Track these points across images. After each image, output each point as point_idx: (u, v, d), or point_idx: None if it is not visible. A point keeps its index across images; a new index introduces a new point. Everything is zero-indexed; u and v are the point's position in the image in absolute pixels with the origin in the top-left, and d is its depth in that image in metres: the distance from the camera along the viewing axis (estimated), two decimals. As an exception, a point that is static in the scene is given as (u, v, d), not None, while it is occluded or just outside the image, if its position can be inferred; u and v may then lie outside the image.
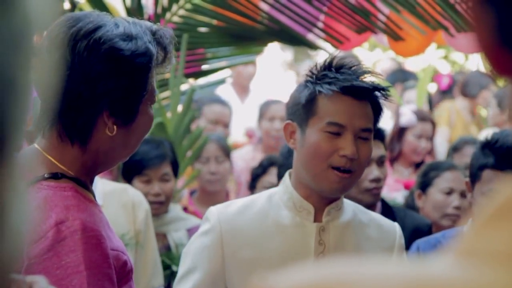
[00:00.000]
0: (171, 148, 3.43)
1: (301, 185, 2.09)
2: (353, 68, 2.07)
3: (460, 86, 6.84)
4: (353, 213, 2.13)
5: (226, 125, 5.13)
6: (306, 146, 2.05)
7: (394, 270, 0.52)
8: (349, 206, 2.15)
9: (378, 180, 3.22)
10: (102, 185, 3.05)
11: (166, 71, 1.81)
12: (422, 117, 5.02)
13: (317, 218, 2.09)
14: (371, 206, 3.07)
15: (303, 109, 2.07)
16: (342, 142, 2.02)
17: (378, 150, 3.16)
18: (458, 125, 6.53)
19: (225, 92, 6.49)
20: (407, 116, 4.98)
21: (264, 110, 5.30)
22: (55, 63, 1.66)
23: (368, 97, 2.06)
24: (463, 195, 3.53)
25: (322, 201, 2.09)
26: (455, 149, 4.83)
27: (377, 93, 2.07)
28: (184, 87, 4.09)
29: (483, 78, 6.57)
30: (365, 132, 2.05)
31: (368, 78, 2.08)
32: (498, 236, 0.51)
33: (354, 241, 2.10)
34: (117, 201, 3.05)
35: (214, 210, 2.09)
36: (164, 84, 4.14)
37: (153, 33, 1.75)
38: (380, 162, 3.24)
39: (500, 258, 0.50)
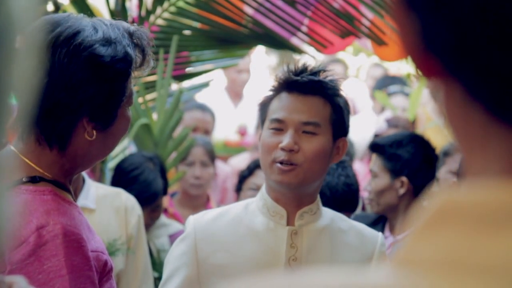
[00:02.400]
0: (162, 170, 3.44)
1: (271, 189, 2.13)
2: (305, 67, 2.13)
3: (432, 91, 6.83)
4: (331, 220, 2.16)
5: (207, 132, 5.11)
6: (259, 146, 2.13)
7: (331, 279, 0.53)
8: (328, 213, 2.17)
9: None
10: (96, 189, 3.05)
11: (144, 74, 1.81)
12: (393, 123, 5.06)
13: (290, 222, 2.12)
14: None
15: (260, 114, 2.17)
16: (283, 136, 2.07)
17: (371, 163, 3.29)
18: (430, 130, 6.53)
19: (218, 97, 6.52)
20: (379, 123, 5.03)
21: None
22: (34, 68, 1.65)
23: (316, 92, 2.10)
24: None
25: (293, 204, 2.11)
26: (446, 154, 4.86)
27: (328, 87, 2.10)
28: (168, 89, 4.09)
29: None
30: (308, 126, 2.08)
31: (320, 75, 2.13)
32: (432, 244, 0.52)
33: (329, 246, 2.11)
34: (110, 205, 3.05)
35: (191, 219, 2.16)
36: (151, 86, 4.14)
37: (131, 35, 1.74)
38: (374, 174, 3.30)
39: (433, 266, 0.51)
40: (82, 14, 1.75)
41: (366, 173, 5.12)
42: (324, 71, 2.15)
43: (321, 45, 4.25)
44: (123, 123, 1.75)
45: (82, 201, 2.98)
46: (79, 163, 1.74)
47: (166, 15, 4.20)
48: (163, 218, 3.63)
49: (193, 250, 2.08)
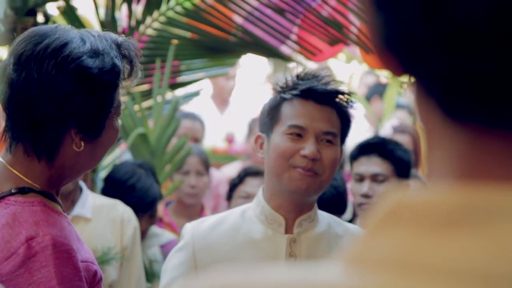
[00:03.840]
0: (154, 175, 3.45)
1: (273, 196, 2.11)
2: (316, 75, 2.14)
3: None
4: (328, 225, 2.15)
5: (197, 140, 5.12)
6: (270, 151, 2.10)
7: (282, 276, 0.54)
8: (324, 218, 2.17)
9: (366, 196, 3.27)
10: (93, 199, 3.05)
11: (133, 85, 1.82)
12: (399, 130, 5.07)
13: (289, 230, 2.11)
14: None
15: (268, 118, 2.13)
16: (304, 143, 2.06)
17: (373, 166, 3.24)
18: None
19: (204, 104, 6.52)
20: (385, 129, 5.04)
21: (253, 127, 5.33)
22: (22, 80, 1.66)
23: (330, 103, 2.11)
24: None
25: (294, 211, 2.11)
26: None
27: (340, 98, 2.12)
28: (159, 98, 4.10)
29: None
30: (328, 135, 2.09)
31: (332, 86, 2.14)
32: (383, 243, 0.53)
33: (326, 253, 2.11)
34: (106, 216, 3.05)
35: (188, 227, 2.14)
36: (147, 94, 4.15)
37: (119, 46, 1.75)
38: (373, 179, 3.28)
39: (384, 265, 0.52)
40: (70, 26, 1.76)
41: None
42: (340, 82, 2.16)
43: (310, 52, 4.27)
44: (111, 133, 1.76)
45: (78, 210, 2.98)
46: (68, 174, 1.75)
47: (156, 25, 4.21)
48: (154, 228, 3.63)
49: (192, 260, 2.07)
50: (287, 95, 2.11)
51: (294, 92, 2.10)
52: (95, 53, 1.70)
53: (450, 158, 0.55)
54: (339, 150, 2.12)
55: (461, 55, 0.52)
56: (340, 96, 2.12)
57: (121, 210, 3.09)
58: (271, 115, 2.12)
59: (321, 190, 2.11)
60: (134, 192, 3.32)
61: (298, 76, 2.13)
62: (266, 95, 7.40)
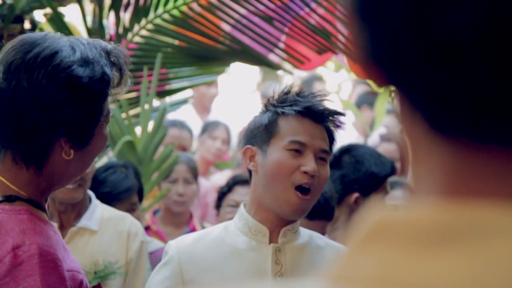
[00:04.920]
0: (136, 174, 3.43)
1: (259, 209, 2.11)
2: (311, 93, 2.17)
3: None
4: (309, 237, 2.17)
5: (184, 149, 5.12)
6: (268, 165, 2.08)
7: None
8: (305, 232, 2.19)
9: None
10: (102, 211, 3.02)
11: (122, 92, 1.81)
12: (386, 138, 5.08)
13: (272, 240, 2.12)
14: None
15: (264, 131, 2.12)
16: (304, 159, 2.07)
17: (387, 188, 3.30)
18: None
19: (186, 111, 6.52)
20: (372, 137, 5.05)
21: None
22: (11, 89, 1.65)
23: (324, 122, 2.15)
24: None
25: (279, 223, 2.12)
26: None
27: (331, 118, 2.15)
28: (147, 106, 4.09)
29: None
30: (323, 153, 2.12)
31: (326, 105, 2.17)
32: (367, 261, 0.52)
33: (311, 262, 2.13)
34: (113, 228, 3.02)
35: (172, 243, 2.14)
36: (134, 102, 4.14)
37: (108, 54, 1.74)
38: None
39: (368, 284, 0.51)
40: (59, 33, 1.75)
41: None
42: (328, 99, 2.19)
43: (298, 61, 4.28)
44: (100, 141, 1.76)
45: (84, 221, 2.95)
46: (56, 182, 1.74)
47: (143, 32, 4.21)
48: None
49: (178, 273, 2.06)
50: (287, 110, 2.11)
51: (295, 108, 2.11)
52: (85, 61, 1.69)
53: (435, 173, 0.54)
54: (328, 168, 2.15)
55: (448, 68, 0.51)
56: (333, 117, 2.15)
57: (129, 223, 3.06)
58: (268, 129, 2.11)
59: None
60: (107, 182, 3.29)
61: (295, 92, 2.15)
62: (255, 104, 7.45)
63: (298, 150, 2.07)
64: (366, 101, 7.04)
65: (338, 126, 2.17)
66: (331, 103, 2.19)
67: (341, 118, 2.17)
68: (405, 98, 0.55)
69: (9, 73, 1.66)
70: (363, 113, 6.84)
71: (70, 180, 1.79)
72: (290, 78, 8.87)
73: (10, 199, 1.68)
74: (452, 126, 0.52)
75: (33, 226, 1.64)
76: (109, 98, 1.76)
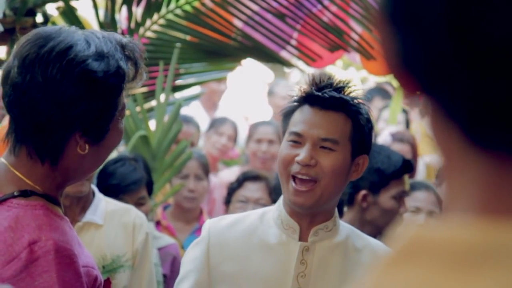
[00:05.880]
0: (146, 167, 3.41)
1: (286, 202, 2.10)
2: (329, 82, 2.11)
3: (423, 105, 6.85)
4: (346, 237, 2.11)
5: (192, 144, 5.12)
6: (278, 158, 2.11)
7: None
8: (344, 229, 2.13)
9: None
10: (105, 204, 3.02)
11: (138, 86, 1.80)
12: (398, 138, 5.05)
13: (303, 238, 2.08)
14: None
15: (283, 124, 2.14)
16: (300, 150, 2.06)
17: (401, 186, 3.22)
18: (425, 145, 6.52)
19: (194, 107, 6.52)
20: (383, 136, 5.02)
21: (252, 132, 5.35)
22: (26, 84, 1.64)
23: (337, 108, 2.08)
24: (430, 214, 3.56)
25: (306, 219, 2.08)
26: None
27: (350, 104, 2.08)
28: (162, 99, 4.08)
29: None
30: (325, 142, 2.06)
31: (344, 91, 2.10)
32: (399, 280, 0.50)
33: (340, 265, 2.08)
34: (118, 221, 3.02)
35: (207, 223, 2.14)
36: (147, 96, 4.13)
37: (123, 47, 1.72)
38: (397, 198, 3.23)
39: None
40: (74, 27, 1.74)
41: None
42: (348, 87, 2.12)
43: (310, 58, 4.26)
44: (115, 135, 1.74)
45: (89, 216, 2.95)
46: (72, 176, 1.72)
47: (155, 27, 4.20)
48: (153, 231, 3.61)
49: (206, 256, 2.07)
50: (297, 102, 2.11)
51: (303, 99, 2.10)
52: (100, 56, 1.67)
53: (471, 189, 0.52)
54: (344, 157, 2.07)
55: (491, 77, 0.49)
56: (348, 101, 2.09)
57: (134, 216, 3.05)
58: (284, 122, 2.13)
59: (324, 202, 2.06)
60: (116, 174, 3.29)
61: (314, 84, 2.11)
62: (263, 101, 7.40)
63: (296, 141, 2.07)
64: (371, 96, 7.02)
65: (356, 112, 2.09)
66: (350, 90, 2.11)
67: (357, 102, 2.09)
68: (440, 108, 0.53)
69: (24, 68, 1.65)
70: (374, 106, 6.80)
71: (85, 175, 1.78)
72: (298, 75, 8.86)
73: (25, 194, 1.66)
74: (492, 140, 0.50)
75: (49, 221, 1.63)
76: (124, 92, 1.74)
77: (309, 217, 2.08)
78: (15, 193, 1.66)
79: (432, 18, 0.51)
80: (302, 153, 2.04)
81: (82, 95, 1.64)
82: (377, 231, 3.21)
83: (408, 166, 3.28)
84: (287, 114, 2.12)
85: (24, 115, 1.65)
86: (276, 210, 2.11)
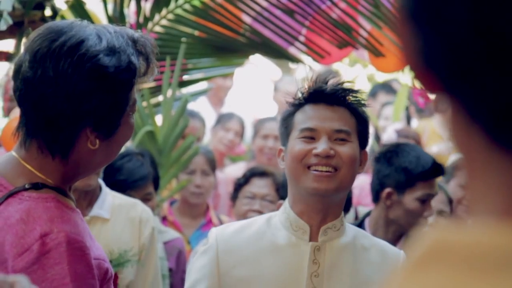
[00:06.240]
0: (152, 162, 3.41)
1: (295, 202, 2.10)
2: (325, 79, 2.14)
3: (434, 102, 6.85)
4: (354, 237, 2.13)
5: (197, 139, 5.12)
6: (287, 157, 2.10)
7: None
8: (351, 230, 2.15)
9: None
10: (112, 198, 3.02)
11: (149, 81, 1.79)
12: (403, 134, 5.05)
13: (313, 238, 2.09)
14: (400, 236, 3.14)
15: (284, 129, 2.15)
16: (316, 144, 2.07)
17: (429, 189, 3.17)
18: (433, 143, 6.51)
19: (200, 102, 6.51)
20: (388, 133, 5.01)
21: (258, 128, 5.35)
22: (37, 78, 1.64)
23: (341, 103, 2.12)
24: (440, 214, 3.54)
25: (317, 218, 2.09)
26: (455, 167, 4.77)
27: (350, 97, 2.12)
28: (169, 94, 4.07)
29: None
30: (340, 133, 2.09)
31: (342, 86, 2.14)
32: (421, 284, 0.50)
33: (351, 263, 2.09)
34: (125, 215, 3.03)
35: (213, 230, 2.13)
36: (154, 91, 4.13)
37: (135, 42, 1.72)
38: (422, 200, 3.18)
39: None
40: (86, 21, 1.73)
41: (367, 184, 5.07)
42: (348, 83, 2.16)
43: (318, 55, 4.25)
44: (126, 130, 1.74)
45: (96, 210, 2.95)
46: (82, 171, 1.73)
47: (164, 22, 4.20)
48: (159, 225, 3.61)
49: (215, 263, 2.06)
50: (298, 102, 2.13)
51: (304, 99, 2.12)
52: (111, 50, 1.66)
53: (494, 191, 0.51)
54: (357, 148, 2.11)
55: None
56: (350, 95, 2.12)
57: (140, 210, 3.06)
58: (285, 125, 2.14)
59: (343, 189, 2.08)
60: (123, 169, 3.28)
61: (314, 83, 2.14)
62: (269, 97, 7.39)
63: (309, 136, 2.08)
64: (375, 92, 7.01)
65: (359, 104, 2.13)
66: (347, 85, 2.15)
67: (360, 95, 2.13)
68: (462, 108, 0.52)
69: (35, 62, 1.64)
70: (378, 101, 6.79)
71: (95, 169, 1.78)
72: (303, 71, 8.85)
73: (37, 186, 1.66)
74: None
75: (60, 213, 1.63)
76: (135, 87, 1.74)
77: (320, 215, 2.09)
78: (27, 186, 1.66)
79: (458, 17, 0.50)
80: (321, 146, 2.05)
81: (93, 90, 1.63)
82: (401, 231, 3.19)
83: (438, 170, 3.19)
84: (287, 117, 2.14)
85: (35, 109, 1.65)
86: (283, 214, 2.11)
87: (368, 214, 3.32)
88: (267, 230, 2.10)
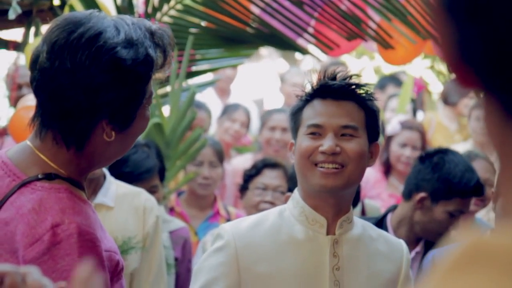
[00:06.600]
0: (158, 154, 3.41)
1: (309, 196, 2.10)
2: (333, 73, 2.14)
3: (442, 95, 6.85)
4: (363, 228, 2.15)
5: (204, 130, 5.13)
6: (296, 153, 2.11)
7: None
8: (358, 222, 2.17)
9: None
10: (116, 187, 3.03)
11: (166, 74, 1.78)
12: (407, 125, 5.01)
13: (329, 231, 2.09)
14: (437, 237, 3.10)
15: (293, 124, 2.15)
16: (322, 140, 2.07)
17: (462, 206, 3.13)
18: (438, 135, 6.50)
19: (207, 93, 6.51)
20: (392, 124, 4.99)
21: (266, 119, 5.34)
22: (55, 69, 1.63)
23: (349, 97, 2.11)
24: (486, 183, 3.48)
25: (332, 211, 2.09)
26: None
27: (358, 91, 2.11)
28: (177, 85, 4.06)
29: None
30: (347, 129, 2.09)
31: (349, 80, 2.13)
32: (463, 285, 0.49)
33: (366, 254, 2.10)
34: (129, 204, 3.04)
35: (227, 227, 2.09)
36: (160, 82, 4.12)
37: (152, 34, 1.71)
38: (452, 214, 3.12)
39: None
40: (104, 13, 1.72)
41: (376, 180, 5.06)
42: (356, 76, 2.15)
43: (327, 47, 4.24)
44: (141, 122, 1.74)
45: (101, 198, 2.96)
46: (96, 162, 1.72)
47: (172, 12, 4.18)
48: (164, 215, 3.61)
49: (234, 260, 2.02)
50: (305, 98, 2.13)
51: (313, 93, 2.12)
52: (129, 43, 1.66)
53: None
54: (364, 143, 2.10)
55: None
56: (358, 89, 2.12)
57: (144, 199, 3.07)
58: (294, 119, 2.15)
59: (351, 186, 2.08)
60: (129, 162, 3.28)
61: (322, 77, 2.14)
62: (276, 88, 7.36)
63: (316, 133, 2.08)
64: (382, 85, 6.99)
65: (367, 99, 2.12)
66: (355, 79, 2.15)
67: (366, 89, 2.12)
68: (500, 105, 0.52)
69: (53, 53, 1.64)
70: (386, 93, 6.76)
71: (110, 161, 1.77)
72: (310, 62, 8.82)
73: (49, 177, 1.66)
74: None
75: (72, 204, 1.62)
76: (152, 80, 1.74)
77: (334, 209, 2.09)
78: (39, 176, 1.65)
79: (501, 12, 0.49)
80: (327, 143, 2.06)
81: (110, 82, 1.63)
82: (422, 235, 3.16)
83: (478, 190, 3.12)
84: (296, 112, 2.14)
85: (51, 100, 1.65)
86: (295, 207, 2.10)
87: (391, 209, 3.28)
88: (282, 224, 2.09)
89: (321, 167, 2.05)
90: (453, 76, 0.56)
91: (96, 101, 1.63)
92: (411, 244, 3.06)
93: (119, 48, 1.64)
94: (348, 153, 2.06)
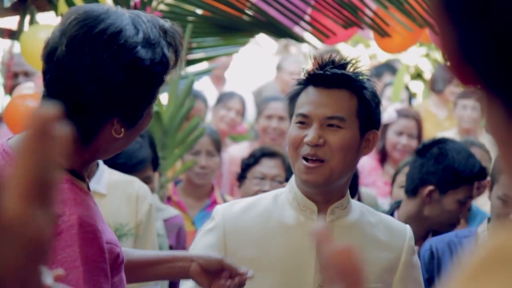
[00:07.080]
0: (151, 144, 3.41)
1: (300, 183, 2.11)
2: (330, 60, 2.11)
3: (429, 82, 6.85)
4: (361, 213, 2.13)
5: (201, 119, 5.12)
6: (287, 142, 2.12)
7: None
8: (357, 207, 2.15)
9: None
10: (109, 175, 3.03)
11: (176, 74, 1.79)
12: (404, 113, 5.02)
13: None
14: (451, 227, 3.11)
15: (289, 108, 2.15)
16: (308, 130, 2.07)
17: (470, 191, 3.13)
18: (427, 123, 6.48)
19: (202, 82, 6.50)
20: (388, 112, 4.99)
21: (263, 108, 5.33)
22: (74, 64, 1.63)
23: (340, 85, 2.08)
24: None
25: (322, 199, 2.09)
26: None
27: (354, 80, 2.09)
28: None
29: (448, 72, 6.51)
30: (332, 120, 2.07)
31: (346, 68, 2.11)
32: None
33: (360, 241, 2.09)
34: (122, 192, 3.04)
35: (219, 209, 2.12)
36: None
37: (165, 33, 1.72)
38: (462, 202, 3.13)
39: None
40: (119, 7, 1.72)
41: (372, 168, 5.07)
42: (352, 63, 2.12)
43: (323, 34, 4.23)
44: (147, 119, 1.76)
45: (93, 185, 2.97)
46: (100, 155, 1.75)
47: (169, 0, 4.16)
48: (158, 203, 3.61)
49: (222, 242, 2.05)
50: (298, 85, 2.12)
51: (307, 80, 2.11)
52: (147, 43, 1.66)
53: None
54: (352, 134, 2.07)
55: None
56: (351, 76, 2.09)
57: (137, 187, 3.09)
58: (290, 106, 2.14)
59: (336, 179, 2.06)
60: (121, 153, 3.28)
61: (317, 64, 2.12)
62: (270, 75, 7.34)
63: (304, 122, 2.08)
64: (378, 73, 6.99)
65: (360, 87, 2.09)
66: (353, 66, 2.12)
67: (361, 77, 2.10)
68: (501, 103, 0.51)
69: (73, 47, 1.64)
70: (383, 81, 6.76)
71: (112, 154, 1.79)
72: (303, 49, 8.80)
73: None
74: None
75: (74, 196, 1.62)
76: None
77: (325, 196, 2.09)
78: None
79: (503, 11, 0.49)
80: (310, 134, 2.05)
81: (128, 81, 1.64)
82: (431, 228, 3.16)
83: (483, 173, 3.15)
84: (293, 97, 2.14)
85: (66, 94, 1.64)
86: (290, 192, 2.11)
87: (395, 206, 3.26)
88: (275, 209, 2.10)
89: (305, 159, 2.05)
90: (454, 73, 0.55)
91: (112, 99, 1.64)
92: (420, 240, 3.06)
93: (139, 48, 1.65)
94: (331, 146, 2.05)
